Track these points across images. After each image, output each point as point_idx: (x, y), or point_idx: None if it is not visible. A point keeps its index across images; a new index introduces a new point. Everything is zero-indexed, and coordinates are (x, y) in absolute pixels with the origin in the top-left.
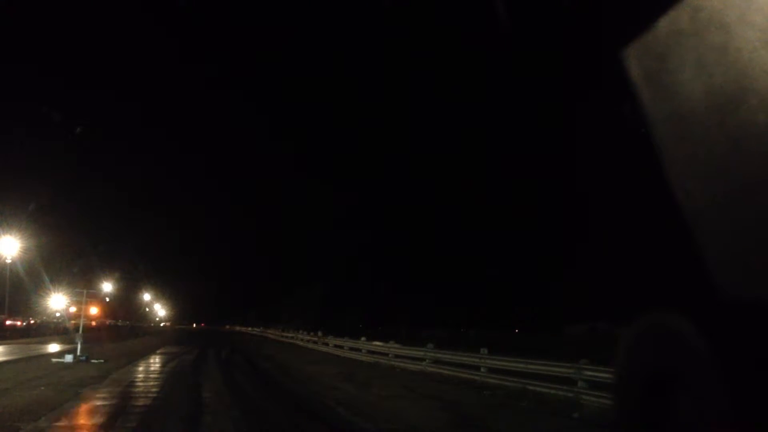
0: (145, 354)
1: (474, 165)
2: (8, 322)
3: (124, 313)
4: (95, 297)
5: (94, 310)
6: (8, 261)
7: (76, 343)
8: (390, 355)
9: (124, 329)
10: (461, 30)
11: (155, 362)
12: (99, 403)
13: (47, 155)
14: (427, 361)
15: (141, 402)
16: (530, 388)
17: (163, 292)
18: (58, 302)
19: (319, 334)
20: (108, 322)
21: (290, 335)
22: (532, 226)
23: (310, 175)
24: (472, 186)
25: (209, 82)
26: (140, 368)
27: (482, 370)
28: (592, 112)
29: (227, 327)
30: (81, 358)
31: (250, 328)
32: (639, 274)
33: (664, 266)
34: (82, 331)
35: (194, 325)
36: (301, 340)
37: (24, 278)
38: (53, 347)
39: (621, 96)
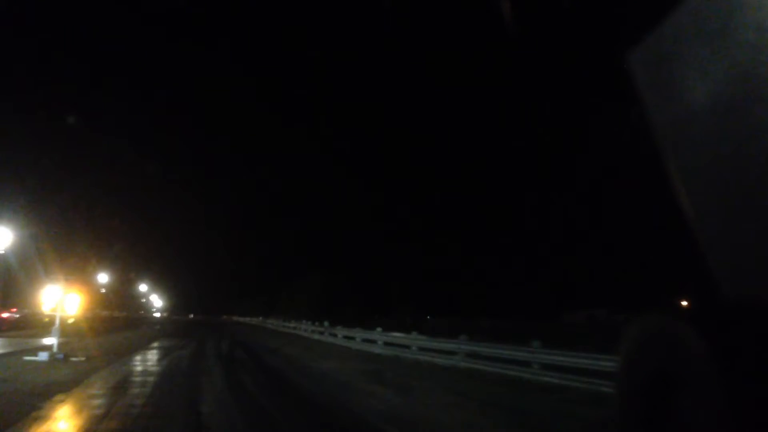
0: (135, 349)
1: (475, 159)
2: (5, 315)
3: (120, 304)
4: (77, 283)
5: (75, 301)
6: (1, 252)
7: (54, 338)
8: (413, 348)
9: (117, 321)
10: (464, 34)
11: (146, 360)
12: (60, 423)
13: (41, 145)
14: (461, 355)
15: (118, 423)
16: (605, 390)
17: (161, 282)
18: (51, 294)
19: (326, 324)
20: (103, 313)
21: (292, 325)
22: (537, 216)
23: (314, 162)
24: (470, 174)
25: (204, 71)
26: (126, 368)
27: (535, 366)
28: (599, 113)
29: (224, 317)
30: (58, 356)
31: (249, 318)
32: (641, 268)
33: (665, 261)
34: (60, 324)
35: (191, 315)
36: (305, 330)
37: (17, 270)
38: (39, 341)
39: (626, 100)
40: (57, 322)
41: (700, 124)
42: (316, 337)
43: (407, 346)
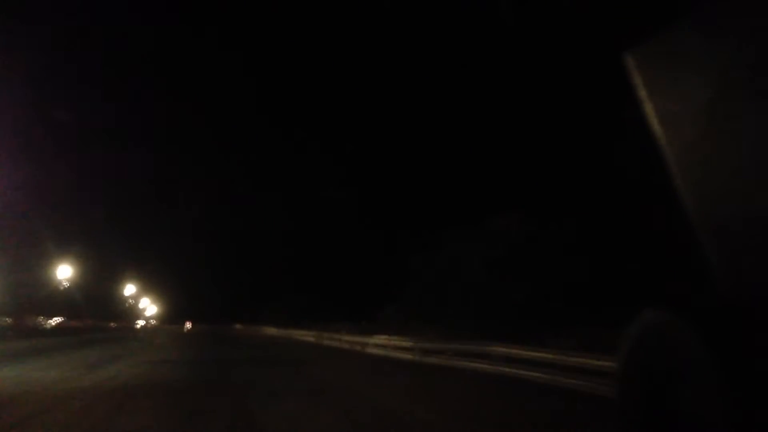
0: None
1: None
2: None
3: (99, 310)
4: None
5: None
6: None
7: None
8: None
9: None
10: (462, 33)
11: None
12: None
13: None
14: None
15: None
16: None
17: (152, 283)
18: None
19: None
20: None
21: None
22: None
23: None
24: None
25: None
26: None
27: None
28: (599, 116)
29: (238, 327)
30: None
31: (301, 332)
32: (637, 273)
33: (663, 265)
34: None
35: (188, 324)
36: None
37: None
38: None
39: (625, 100)
40: None
41: (699, 124)
42: None
43: None
